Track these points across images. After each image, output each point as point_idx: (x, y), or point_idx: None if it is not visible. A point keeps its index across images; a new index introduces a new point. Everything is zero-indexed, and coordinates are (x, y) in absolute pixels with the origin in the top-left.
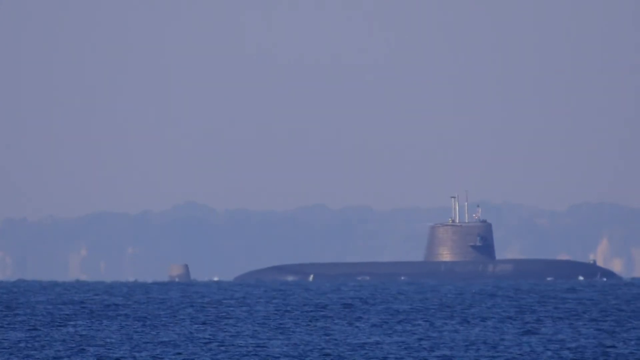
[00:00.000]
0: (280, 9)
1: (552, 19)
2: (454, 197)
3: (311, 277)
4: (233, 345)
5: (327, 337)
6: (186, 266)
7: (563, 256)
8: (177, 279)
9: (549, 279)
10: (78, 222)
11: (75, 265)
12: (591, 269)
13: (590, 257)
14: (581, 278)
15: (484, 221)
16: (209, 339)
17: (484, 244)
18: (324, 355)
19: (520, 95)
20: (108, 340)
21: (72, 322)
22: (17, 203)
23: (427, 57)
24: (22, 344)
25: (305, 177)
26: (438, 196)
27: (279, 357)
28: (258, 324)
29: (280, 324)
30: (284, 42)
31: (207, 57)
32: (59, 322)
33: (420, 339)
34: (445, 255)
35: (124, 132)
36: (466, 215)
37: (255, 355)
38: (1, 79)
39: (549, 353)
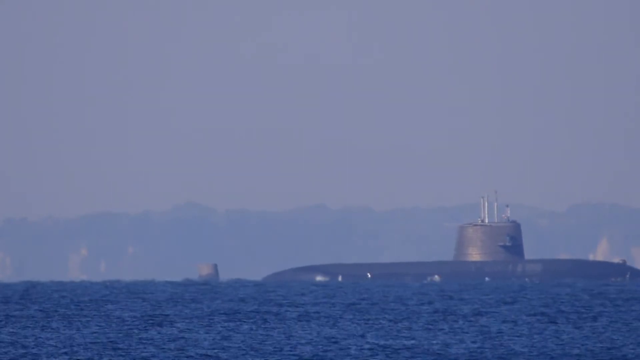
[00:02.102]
0: (281, 9)
1: (552, 19)
2: (483, 197)
3: (340, 278)
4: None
5: None
6: (215, 266)
7: (563, 256)
8: (205, 279)
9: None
10: (78, 222)
11: (75, 265)
12: (621, 269)
13: (619, 258)
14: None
15: (514, 221)
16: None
17: (514, 244)
18: None
19: (520, 96)
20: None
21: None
22: (17, 203)
23: (421, 59)
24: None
25: (305, 177)
26: (438, 196)
27: None
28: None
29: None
30: (285, 43)
31: (207, 58)
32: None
33: None
34: (475, 255)
35: (124, 132)
36: (495, 215)
37: None
38: (1, 79)
39: None
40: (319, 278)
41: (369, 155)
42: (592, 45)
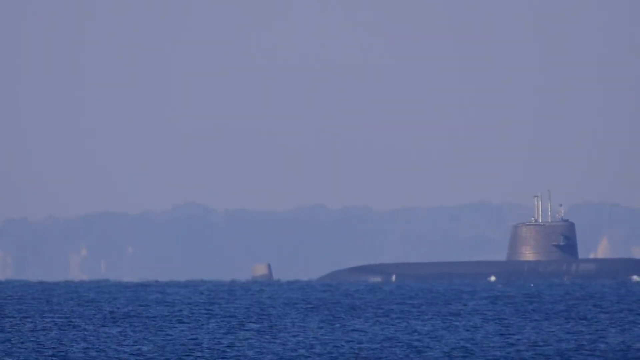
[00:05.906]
0: (282, 10)
1: (552, 19)
2: (537, 197)
3: (393, 278)
4: None
5: None
6: (269, 266)
7: None
8: (260, 279)
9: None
10: (78, 222)
11: (76, 265)
12: None
13: None
14: None
15: (567, 220)
16: None
17: (567, 244)
18: None
19: (520, 95)
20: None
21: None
22: (17, 203)
23: (421, 58)
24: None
25: (305, 177)
26: (438, 196)
27: None
28: None
29: None
30: (285, 43)
31: (207, 58)
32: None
33: None
34: (528, 254)
35: (124, 132)
36: (549, 214)
37: None
38: (1, 79)
39: None
40: (373, 279)
41: (369, 155)
42: (591, 45)
